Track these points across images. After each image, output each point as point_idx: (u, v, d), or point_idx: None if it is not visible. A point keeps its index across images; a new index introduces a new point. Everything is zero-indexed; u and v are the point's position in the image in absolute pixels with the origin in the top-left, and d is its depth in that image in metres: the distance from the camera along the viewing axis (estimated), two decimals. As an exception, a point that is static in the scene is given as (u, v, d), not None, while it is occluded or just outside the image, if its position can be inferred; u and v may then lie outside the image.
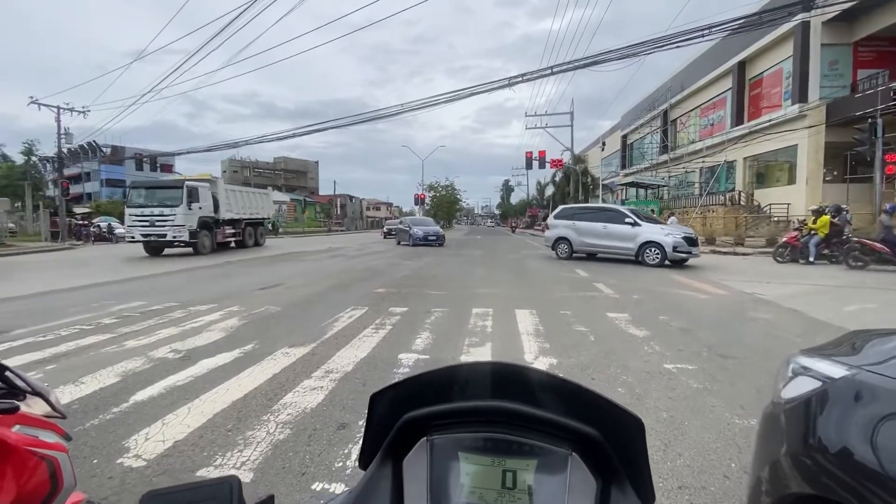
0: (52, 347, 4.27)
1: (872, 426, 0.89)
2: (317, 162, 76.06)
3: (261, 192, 22.32)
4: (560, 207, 15.14)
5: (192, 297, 6.91)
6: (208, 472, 2.14)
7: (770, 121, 20.08)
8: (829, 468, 0.94)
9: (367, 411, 0.51)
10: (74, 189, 40.98)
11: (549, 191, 52.89)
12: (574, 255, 13.24)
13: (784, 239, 12.51)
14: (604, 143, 35.29)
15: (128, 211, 15.49)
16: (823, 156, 18.15)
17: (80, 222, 29.03)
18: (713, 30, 12.22)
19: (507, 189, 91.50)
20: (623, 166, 39.53)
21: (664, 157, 29.70)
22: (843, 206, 12.56)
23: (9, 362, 0.70)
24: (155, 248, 15.78)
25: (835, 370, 1.07)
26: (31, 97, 23.97)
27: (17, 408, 0.67)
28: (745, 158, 22.85)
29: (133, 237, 15.36)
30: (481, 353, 4.13)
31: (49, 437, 0.72)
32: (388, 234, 31.64)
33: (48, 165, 35.34)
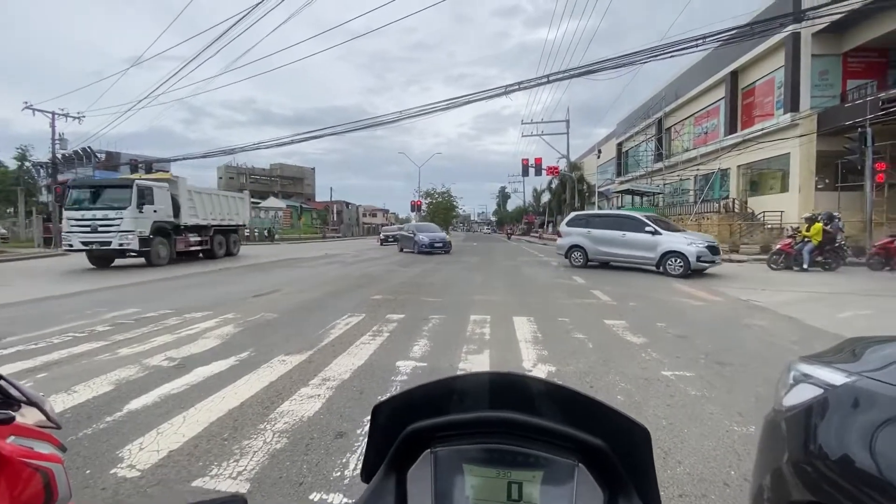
0: (43, 355, 4.22)
1: (871, 432, 0.89)
2: (313, 168, 76.09)
3: (235, 195, 19.58)
4: (572, 214, 14.72)
5: (188, 304, 6.86)
6: (204, 483, 2.11)
7: (763, 129, 20.31)
8: (830, 475, 0.94)
9: (368, 422, 0.51)
10: (68, 195, 40.62)
11: (546, 198, 53.19)
12: (589, 263, 12.73)
13: (778, 246, 12.59)
14: (599, 151, 35.52)
15: (66, 214, 13.31)
16: (815, 164, 18.36)
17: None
18: (706, 40, 12.39)
19: (504, 196, 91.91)
20: (619, 174, 39.82)
21: (659, 165, 29.95)
22: (836, 214, 12.69)
23: (0, 370, 0.69)
24: (100, 257, 13.57)
25: (835, 377, 1.07)
26: (26, 102, 23.98)
27: (13, 418, 0.65)
28: (738, 166, 23.07)
29: (71, 245, 13.03)
30: (479, 361, 4.11)
31: (44, 448, 0.70)
32: (385, 241, 31.57)
33: (42, 171, 35.15)
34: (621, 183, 35.43)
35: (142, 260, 14.09)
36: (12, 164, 32.69)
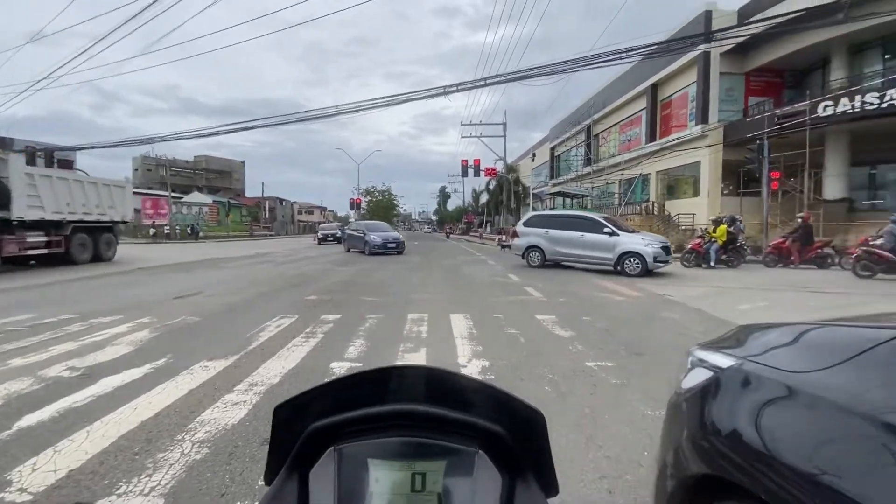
0: None
1: (756, 410, 1.00)
2: (243, 162, 71.45)
3: (110, 182, 15.14)
4: (530, 214, 14.61)
5: (94, 309, 6.21)
6: (110, 503, 1.93)
7: (678, 139, 22.21)
8: (722, 450, 1.04)
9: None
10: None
11: (484, 198, 54.29)
12: (546, 262, 12.74)
13: (689, 246, 13.90)
14: (534, 155, 36.93)
15: None
16: (721, 172, 20.37)
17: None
18: (629, 53, 13.28)
19: (444, 196, 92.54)
20: (552, 176, 41.59)
21: (588, 169, 31.67)
22: (738, 217, 14.31)
23: None
24: None
25: (724, 361, 1.19)
26: None
27: None
28: (657, 172, 25.02)
29: None
30: (416, 359, 4.11)
31: None
32: (322, 240, 30.54)
33: None
34: (554, 185, 37.03)
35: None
36: None
